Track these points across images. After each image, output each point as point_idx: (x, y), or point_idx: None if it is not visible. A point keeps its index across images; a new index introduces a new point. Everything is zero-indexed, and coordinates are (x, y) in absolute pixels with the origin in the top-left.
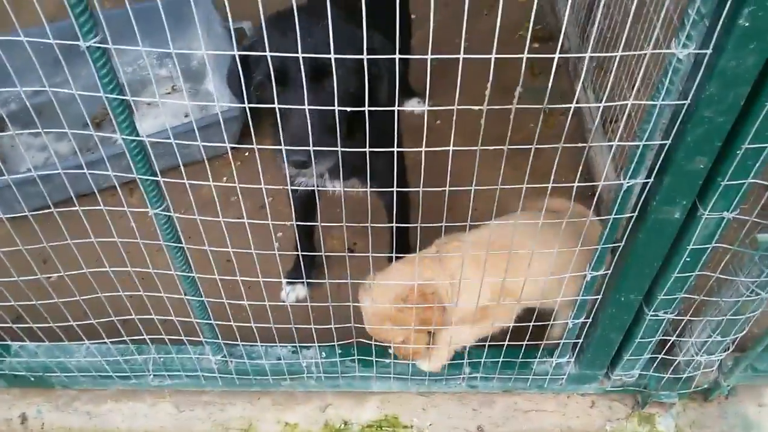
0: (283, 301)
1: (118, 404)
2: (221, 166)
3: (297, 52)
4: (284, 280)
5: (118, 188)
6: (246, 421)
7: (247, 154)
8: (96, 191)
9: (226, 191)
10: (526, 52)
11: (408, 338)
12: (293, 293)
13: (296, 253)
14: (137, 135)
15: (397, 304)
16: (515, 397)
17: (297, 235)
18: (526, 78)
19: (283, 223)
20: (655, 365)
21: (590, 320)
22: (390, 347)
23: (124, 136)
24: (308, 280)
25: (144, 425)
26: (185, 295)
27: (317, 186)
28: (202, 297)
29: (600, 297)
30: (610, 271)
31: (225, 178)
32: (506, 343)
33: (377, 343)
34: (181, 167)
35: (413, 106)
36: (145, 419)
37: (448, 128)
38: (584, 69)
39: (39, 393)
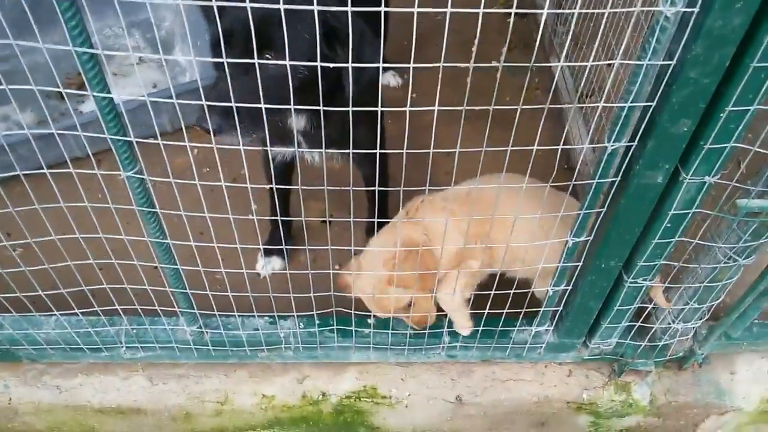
0: (259, 274)
1: (89, 378)
2: (191, 138)
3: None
4: (261, 250)
5: (91, 157)
6: (222, 394)
7: None
8: (68, 160)
9: (199, 163)
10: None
11: (412, 301)
12: (269, 265)
13: (273, 218)
14: (109, 92)
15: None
16: (493, 367)
17: (272, 203)
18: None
19: (261, 186)
20: (632, 333)
21: (570, 288)
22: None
23: (96, 94)
24: (286, 247)
25: (116, 399)
26: (159, 263)
27: (295, 154)
28: (176, 265)
29: (580, 264)
30: (591, 238)
31: (196, 151)
32: (486, 311)
33: (357, 312)
34: (158, 136)
35: (388, 79)
36: (118, 393)
37: (425, 103)
38: (568, 39)
39: (5, 367)
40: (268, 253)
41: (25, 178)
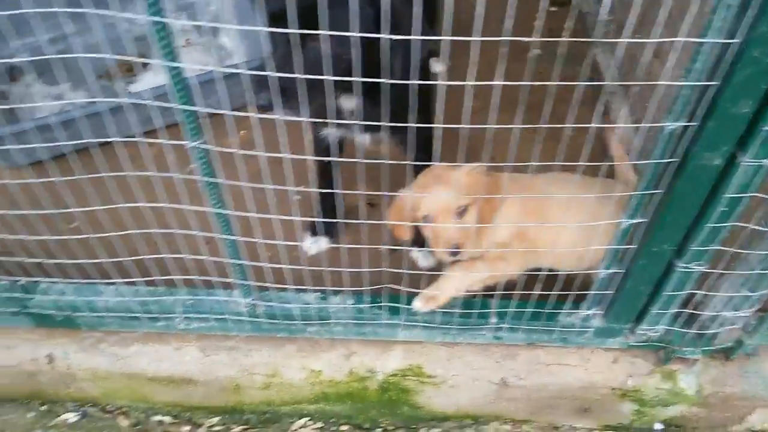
0: (306, 253)
1: (145, 347)
2: (238, 119)
3: None
4: (309, 229)
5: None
6: (271, 367)
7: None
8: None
9: (245, 146)
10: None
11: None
12: (315, 245)
13: (322, 191)
14: (178, 62)
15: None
16: (538, 351)
17: (320, 183)
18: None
19: (315, 158)
20: (680, 321)
21: (622, 271)
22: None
23: (167, 63)
24: (336, 221)
25: (169, 368)
26: (217, 234)
27: (344, 136)
28: (235, 236)
29: (633, 247)
30: (645, 220)
31: (242, 132)
32: (534, 292)
33: (408, 290)
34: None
35: (432, 65)
36: (171, 362)
37: (461, 89)
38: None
39: (64, 334)
40: (314, 233)
41: (70, 155)
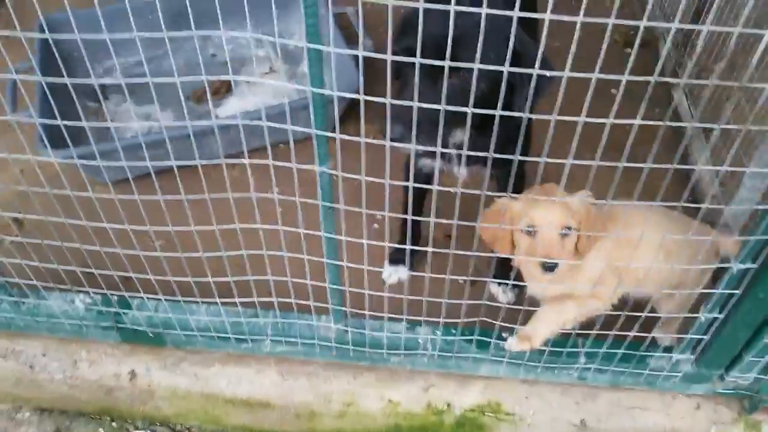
0: (384, 282)
1: (225, 368)
2: (308, 147)
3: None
4: (386, 263)
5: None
6: (349, 395)
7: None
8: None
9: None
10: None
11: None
12: (395, 274)
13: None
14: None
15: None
16: (619, 393)
17: (404, 212)
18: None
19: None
20: None
21: (722, 316)
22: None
23: (314, 89)
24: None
25: (248, 391)
26: (326, 258)
27: (441, 168)
28: (342, 262)
29: (738, 292)
30: (757, 265)
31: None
32: (628, 333)
33: (502, 324)
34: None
35: None
36: (250, 385)
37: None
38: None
39: (148, 351)
40: (394, 262)
41: (157, 176)
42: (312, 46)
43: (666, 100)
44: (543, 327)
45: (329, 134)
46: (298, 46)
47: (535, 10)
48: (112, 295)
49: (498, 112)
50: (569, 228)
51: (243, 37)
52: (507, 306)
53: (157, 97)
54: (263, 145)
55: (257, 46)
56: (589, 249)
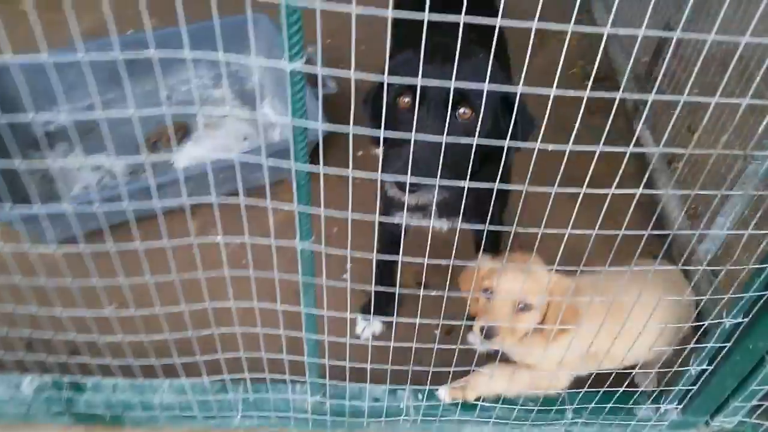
0: (357, 337)
1: None
2: (281, 192)
3: (437, 77)
4: (359, 316)
5: (188, 211)
6: None
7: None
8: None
9: (287, 220)
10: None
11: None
12: (369, 328)
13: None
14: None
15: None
16: None
17: (377, 266)
18: (582, 116)
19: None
20: (757, 412)
21: (711, 368)
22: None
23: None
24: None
25: None
26: (305, 332)
27: (417, 221)
28: (323, 336)
29: (729, 345)
30: (747, 319)
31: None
32: (622, 389)
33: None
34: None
35: None
36: None
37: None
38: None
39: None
40: (367, 313)
41: (112, 230)
42: (297, 123)
43: (627, 130)
44: (479, 384)
45: (313, 211)
46: (255, 85)
47: (506, 48)
48: (62, 376)
49: (467, 184)
50: (529, 306)
51: (199, 78)
52: (485, 352)
53: (109, 145)
54: (232, 190)
55: (214, 87)
56: (567, 334)
